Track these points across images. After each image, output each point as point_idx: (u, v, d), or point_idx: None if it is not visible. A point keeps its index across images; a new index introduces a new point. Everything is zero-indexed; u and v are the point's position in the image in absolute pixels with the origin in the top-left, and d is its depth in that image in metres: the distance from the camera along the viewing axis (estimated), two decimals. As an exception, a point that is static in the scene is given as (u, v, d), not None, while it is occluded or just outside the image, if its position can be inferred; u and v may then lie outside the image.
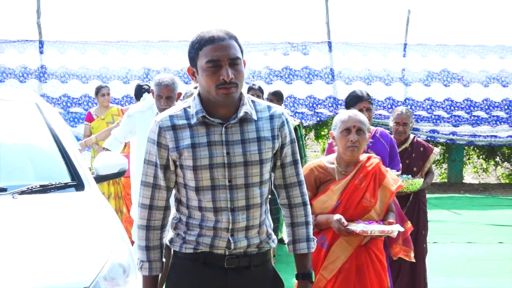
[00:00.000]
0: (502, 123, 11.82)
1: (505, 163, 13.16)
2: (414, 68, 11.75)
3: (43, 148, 3.73)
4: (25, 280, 2.52)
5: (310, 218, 2.53)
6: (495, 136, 11.82)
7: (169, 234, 2.47)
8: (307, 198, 2.54)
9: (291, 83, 11.49)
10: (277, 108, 2.44)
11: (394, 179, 3.48)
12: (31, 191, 3.21)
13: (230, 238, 2.35)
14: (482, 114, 11.78)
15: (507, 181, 13.08)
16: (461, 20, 13.18)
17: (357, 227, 3.20)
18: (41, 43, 10.97)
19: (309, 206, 2.53)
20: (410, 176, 4.84)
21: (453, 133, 11.72)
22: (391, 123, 5.20)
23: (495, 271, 6.18)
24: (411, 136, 5.24)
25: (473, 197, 11.15)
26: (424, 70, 11.76)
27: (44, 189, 3.28)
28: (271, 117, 2.41)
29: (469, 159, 13.49)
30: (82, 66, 11.02)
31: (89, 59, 11.03)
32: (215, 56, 2.25)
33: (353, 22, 13.90)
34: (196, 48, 2.30)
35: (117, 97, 10.84)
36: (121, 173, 3.85)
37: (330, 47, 11.54)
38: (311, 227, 2.54)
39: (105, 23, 13.97)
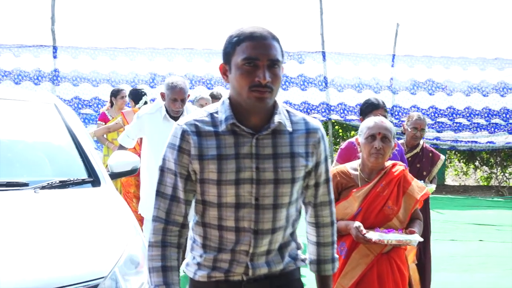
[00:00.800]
0: (482, 130, 11.85)
1: (484, 167, 13.21)
2: (401, 77, 11.77)
3: (61, 146, 3.71)
4: (48, 269, 2.50)
5: (336, 237, 2.22)
6: (475, 142, 11.85)
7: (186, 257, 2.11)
8: (335, 216, 2.21)
9: (287, 90, 11.48)
10: (313, 122, 2.04)
11: (420, 187, 3.17)
12: (51, 186, 3.19)
13: (249, 264, 1.97)
14: (463, 121, 11.81)
15: (485, 184, 13.13)
16: (446, 34, 13.23)
17: (374, 235, 2.93)
18: (54, 48, 10.92)
19: (335, 225, 2.22)
20: (422, 181, 4.71)
21: (437, 138, 11.74)
22: (408, 128, 5.01)
23: (476, 267, 6.20)
24: (421, 141, 5.12)
25: (454, 198, 11.18)
26: (410, 79, 11.78)
27: (63, 184, 3.26)
28: (307, 132, 2.01)
29: (450, 162, 13.54)
30: (93, 70, 10.98)
31: (99, 64, 11.00)
32: (253, 54, 1.86)
33: (345, 34, 13.92)
34: (234, 42, 1.90)
35: (125, 100, 10.82)
36: (133, 171, 3.83)
37: (324, 56, 11.54)
38: (335, 246, 2.22)
39: (115, 30, 13.98)
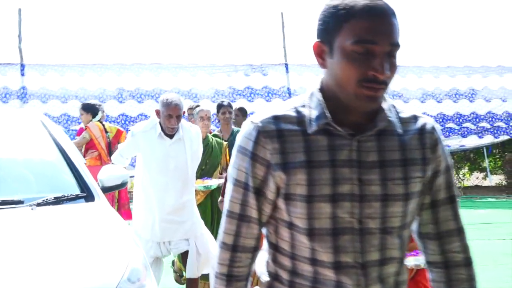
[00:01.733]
0: (437, 134, 12.12)
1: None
2: (360, 86, 11.94)
3: (52, 162, 3.59)
4: (56, 285, 2.41)
5: (476, 283, 1.51)
6: (431, 146, 12.10)
7: None
8: (471, 252, 1.52)
9: (252, 101, 11.48)
10: (427, 120, 1.49)
11: None
12: (46, 203, 3.08)
13: None
14: (420, 126, 12.06)
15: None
16: (400, 44, 13.48)
17: (409, 261, 2.66)
18: (22, 66, 10.65)
19: (474, 265, 1.52)
20: None
21: (396, 144, 11.94)
22: None
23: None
24: None
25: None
26: (369, 88, 11.97)
27: (58, 200, 3.15)
28: (421, 132, 1.46)
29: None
30: (61, 87, 10.74)
31: (67, 80, 10.77)
32: (371, 36, 1.32)
33: (307, 46, 14.09)
34: (341, 16, 1.35)
35: (94, 115, 10.60)
36: (124, 184, 3.74)
37: (287, 68, 11.62)
38: None
39: (83, 47, 13.76)
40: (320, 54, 1.41)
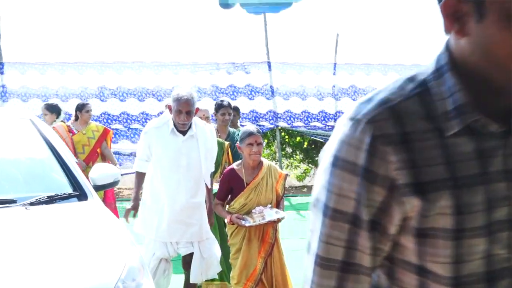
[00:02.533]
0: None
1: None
2: (342, 84, 12.01)
3: (43, 161, 3.56)
4: (54, 285, 2.39)
5: None
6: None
7: None
8: None
9: (235, 99, 11.46)
10: None
11: None
12: (39, 202, 3.05)
13: None
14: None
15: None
16: (382, 42, 13.64)
17: None
18: (1, 64, 10.48)
19: None
20: None
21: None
22: None
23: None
24: None
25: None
26: (351, 86, 12.05)
27: (51, 200, 3.13)
28: None
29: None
30: (42, 86, 10.60)
31: (48, 79, 10.63)
32: None
33: (289, 44, 14.10)
34: None
35: (76, 114, 10.49)
36: (115, 183, 3.72)
37: (269, 66, 11.63)
38: None
39: (63, 45, 13.56)
40: (457, 15, 0.90)
